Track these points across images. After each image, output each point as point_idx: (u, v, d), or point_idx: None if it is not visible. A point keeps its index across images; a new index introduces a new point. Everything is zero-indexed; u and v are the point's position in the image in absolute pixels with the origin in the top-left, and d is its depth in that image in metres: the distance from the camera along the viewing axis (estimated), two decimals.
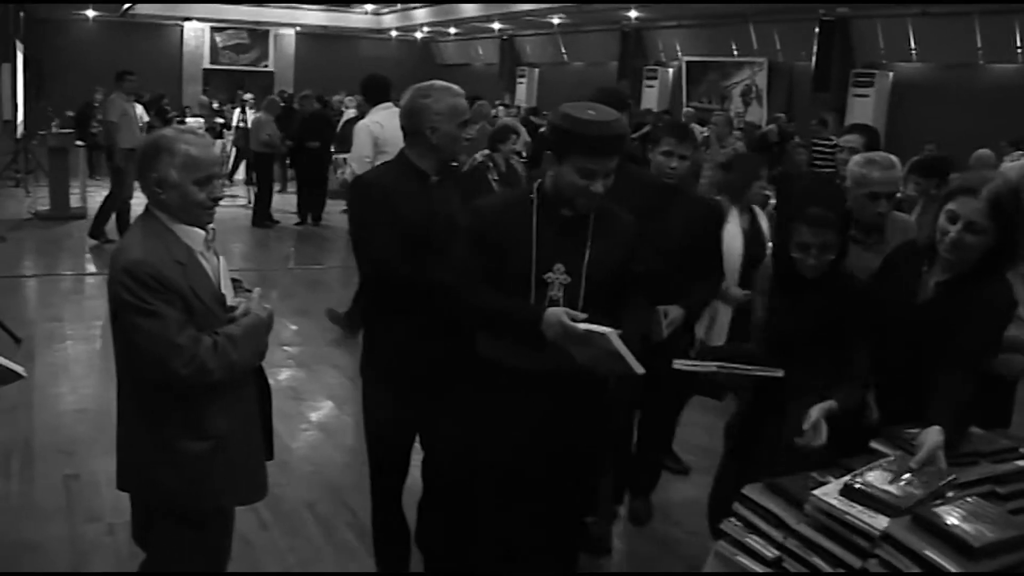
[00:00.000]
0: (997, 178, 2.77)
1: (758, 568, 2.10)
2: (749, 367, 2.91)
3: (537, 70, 24.79)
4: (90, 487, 4.50)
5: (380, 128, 6.86)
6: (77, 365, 6.40)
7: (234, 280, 2.83)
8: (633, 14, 18.96)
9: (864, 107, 15.20)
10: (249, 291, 2.82)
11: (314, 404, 5.93)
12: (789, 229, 2.89)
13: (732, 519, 2.23)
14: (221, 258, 2.76)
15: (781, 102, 17.11)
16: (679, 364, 2.94)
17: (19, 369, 2.51)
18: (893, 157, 3.56)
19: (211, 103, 19.96)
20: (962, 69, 14.31)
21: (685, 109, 17.75)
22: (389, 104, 7.05)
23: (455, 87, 3.31)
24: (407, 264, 3.11)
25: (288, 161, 13.98)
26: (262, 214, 12.48)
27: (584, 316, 2.65)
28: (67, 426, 5.24)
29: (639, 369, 2.54)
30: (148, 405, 2.65)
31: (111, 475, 4.60)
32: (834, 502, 2.00)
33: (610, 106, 3.41)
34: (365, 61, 24.91)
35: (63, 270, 9.46)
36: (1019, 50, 13.33)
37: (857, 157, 3.55)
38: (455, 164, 4.02)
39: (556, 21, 21.49)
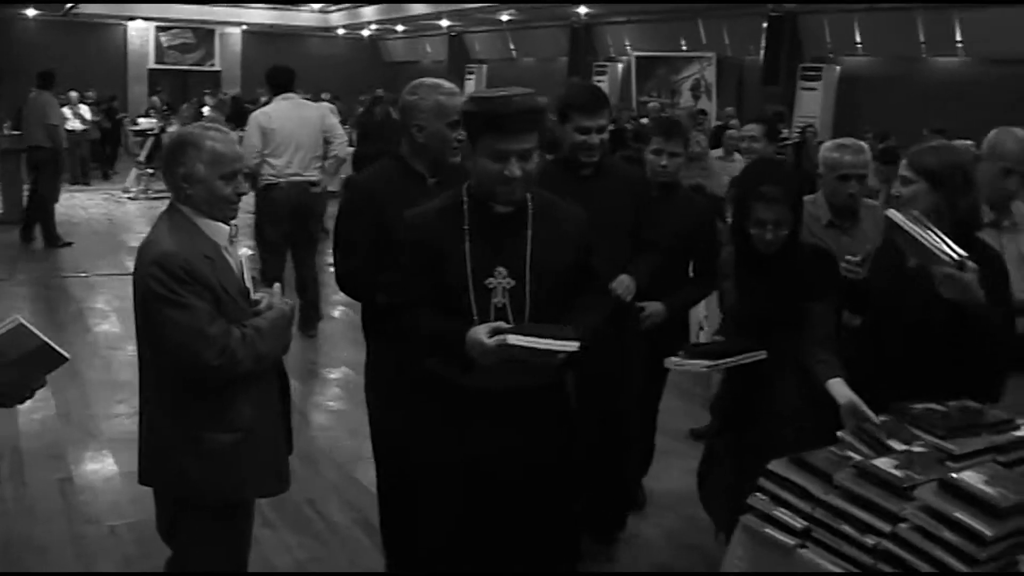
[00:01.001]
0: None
1: (787, 539, 2.23)
2: (735, 357, 3.03)
3: (486, 66, 24.86)
4: (85, 490, 4.50)
5: (267, 119, 6.90)
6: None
7: (253, 277, 2.89)
8: (583, 10, 19.15)
9: (812, 100, 15.57)
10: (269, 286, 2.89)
11: (310, 402, 5.97)
12: (745, 208, 3.06)
13: (758, 493, 2.35)
14: (242, 251, 2.82)
15: (730, 96, 17.41)
16: (670, 364, 3.04)
17: (64, 353, 2.44)
18: (862, 143, 3.83)
19: (163, 105, 19.74)
20: (906, 62, 14.72)
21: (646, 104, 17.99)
22: (291, 95, 7.07)
23: (446, 84, 3.24)
24: (387, 272, 2.97)
25: None
26: None
27: (509, 327, 2.42)
28: (52, 431, 5.22)
29: (570, 348, 2.38)
30: (174, 398, 2.67)
31: (105, 477, 4.72)
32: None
33: (591, 101, 3.55)
34: (312, 59, 24.85)
35: (20, 274, 9.32)
36: (959, 44, 13.75)
37: (828, 143, 3.81)
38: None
39: (505, 18, 21.60)
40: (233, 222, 2.74)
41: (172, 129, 13.52)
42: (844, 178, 3.67)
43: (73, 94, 15.72)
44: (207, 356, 2.51)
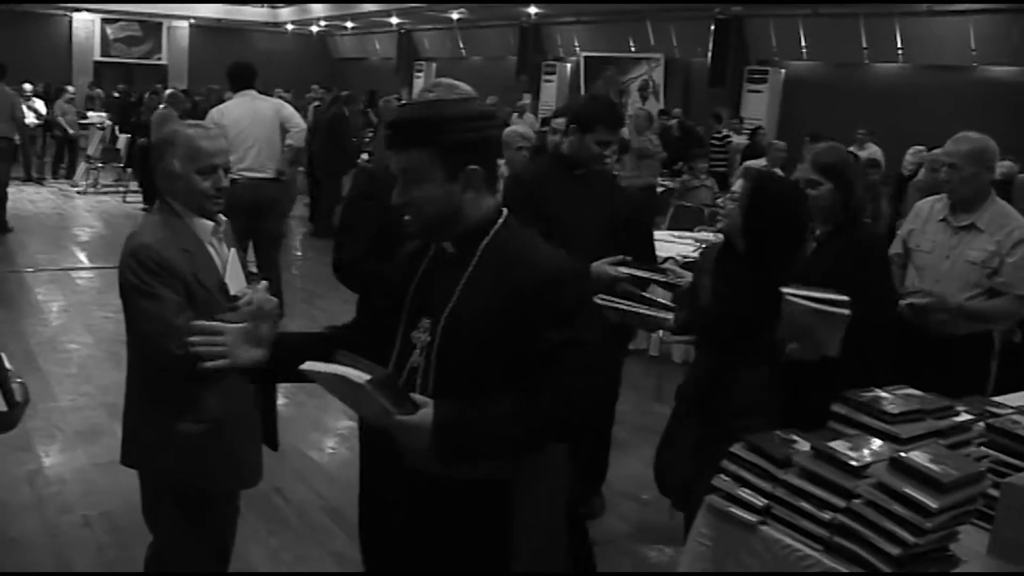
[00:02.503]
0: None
1: (750, 516, 2.41)
2: (645, 307, 3.25)
3: (435, 64, 24.94)
4: (55, 481, 4.56)
5: (221, 115, 6.98)
6: (14, 361, 6.34)
7: (253, 273, 2.97)
8: (532, 10, 19.31)
9: (758, 102, 15.93)
10: (256, 275, 2.97)
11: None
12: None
13: (721, 475, 2.53)
14: (233, 250, 2.86)
15: (678, 97, 17.72)
16: (599, 299, 3.20)
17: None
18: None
19: (104, 96, 19.52)
20: (849, 67, 15.13)
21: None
22: (249, 92, 7.18)
23: (462, 86, 3.05)
24: (388, 264, 2.98)
25: None
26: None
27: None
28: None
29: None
30: (150, 386, 2.76)
31: (74, 468, 4.76)
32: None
33: (615, 118, 3.88)
34: (260, 55, 24.56)
35: None
36: (900, 51, 14.18)
37: (811, 146, 4.01)
38: None
39: (455, 16, 21.71)
40: (222, 218, 2.81)
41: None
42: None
43: (27, 87, 15.48)
44: (170, 346, 2.51)
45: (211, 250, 2.77)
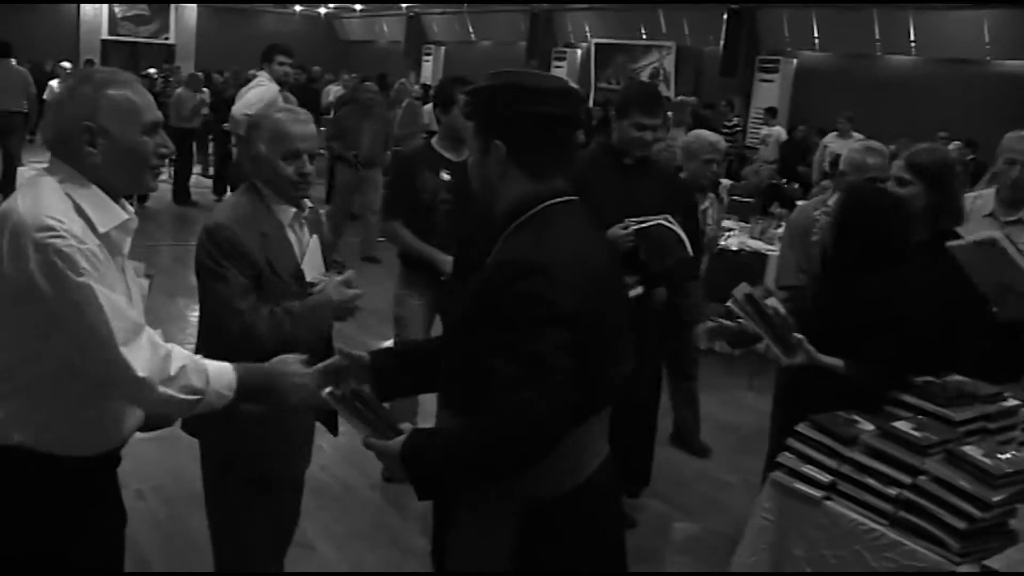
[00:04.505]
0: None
1: (815, 492, 2.53)
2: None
3: (443, 48, 24.95)
4: None
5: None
6: None
7: (335, 261, 2.99)
8: None
9: (769, 92, 15.99)
10: (341, 265, 3.00)
11: None
12: None
13: (786, 452, 2.65)
14: (314, 237, 2.85)
15: (688, 85, 17.77)
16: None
17: None
18: (885, 147, 4.02)
19: None
20: (861, 59, 15.19)
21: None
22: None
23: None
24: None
25: (211, 136, 13.74)
26: (182, 191, 12.40)
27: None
28: None
29: None
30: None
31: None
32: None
33: (651, 101, 3.86)
34: (267, 36, 24.58)
35: None
36: (912, 43, 14.24)
37: (856, 145, 4.01)
38: None
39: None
40: (307, 203, 2.80)
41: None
42: (873, 181, 3.84)
43: (67, 64, 15.34)
44: (230, 327, 2.58)
45: (291, 236, 2.77)
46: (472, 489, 1.92)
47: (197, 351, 2.84)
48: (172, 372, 2.04)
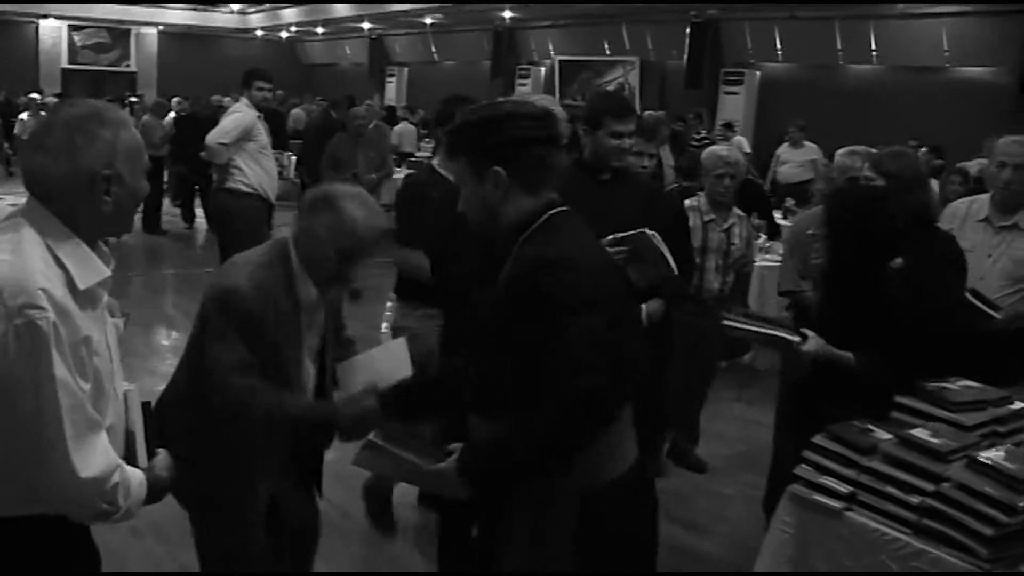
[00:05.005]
0: None
1: (835, 503, 2.52)
2: (772, 330, 3.19)
3: (407, 69, 24.94)
4: None
5: None
6: None
7: (347, 339, 2.90)
8: (507, 14, 19.40)
9: (735, 104, 16.12)
10: (352, 343, 2.90)
11: None
12: None
13: (802, 465, 2.63)
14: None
15: (654, 99, 17.85)
16: (728, 320, 3.27)
17: None
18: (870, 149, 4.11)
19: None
20: (824, 69, 15.36)
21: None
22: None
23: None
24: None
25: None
26: (153, 219, 12.22)
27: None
28: None
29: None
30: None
31: None
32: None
33: (622, 107, 3.78)
34: (230, 61, 24.53)
35: None
36: (874, 52, 14.44)
37: (842, 149, 4.07)
38: None
39: (428, 21, 21.73)
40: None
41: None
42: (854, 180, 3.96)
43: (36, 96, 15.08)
44: (218, 397, 2.50)
45: (304, 319, 2.62)
46: (529, 485, 2.05)
47: (167, 393, 2.74)
48: (110, 484, 1.86)
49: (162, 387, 2.74)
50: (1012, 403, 2.86)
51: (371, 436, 2.19)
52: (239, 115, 6.90)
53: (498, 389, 2.09)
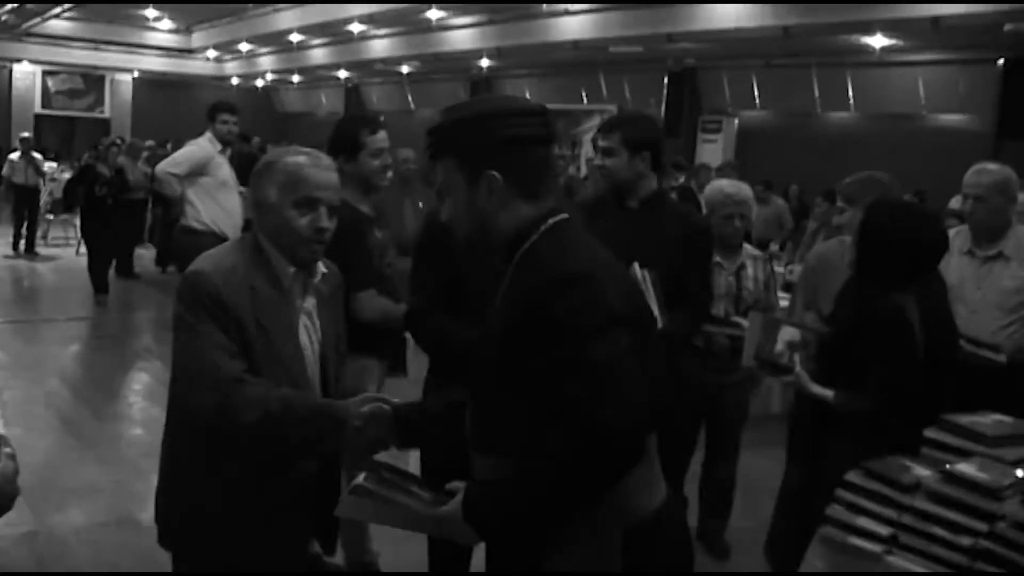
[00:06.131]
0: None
1: (874, 546, 2.32)
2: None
3: (383, 118, 24.84)
4: (54, 543, 4.28)
5: None
6: None
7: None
8: (484, 63, 19.43)
9: (713, 151, 16.13)
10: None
11: None
12: None
13: (835, 504, 2.44)
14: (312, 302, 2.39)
15: None
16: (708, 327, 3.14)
17: None
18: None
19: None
20: (801, 117, 15.44)
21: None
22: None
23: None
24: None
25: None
26: (126, 263, 11.94)
27: None
28: None
29: None
30: (186, 445, 2.34)
31: (72, 527, 4.47)
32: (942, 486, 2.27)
33: (605, 123, 3.58)
34: (205, 109, 24.38)
35: None
36: (851, 100, 14.52)
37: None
38: None
39: (405, 70, 21.75)
40: (322, 268, 2.36)
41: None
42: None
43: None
44: (204, 401, 2.16)
45: (286, 295, 2.30)
46: (572, 519, 1.79)
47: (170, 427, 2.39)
48: None
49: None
50: None
51: (359, 479, 1.87)
52: (193, 147, 6.68)
53: (505, 424, 1.83)
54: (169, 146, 15.29)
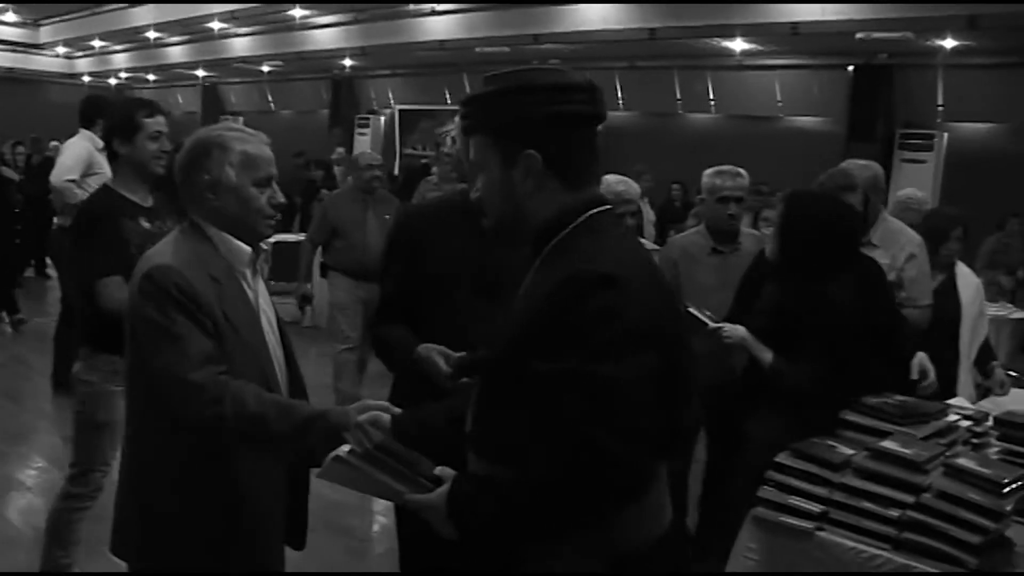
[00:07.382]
0: None
1: (806, 524, 2.43)
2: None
3: (242, 118, 24.25)
4: None
5: None
6: None
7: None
8: (347, 62, 19.18)
9: None
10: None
11: None
12: None
13: (766, 486, 2.54)
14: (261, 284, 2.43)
15: None
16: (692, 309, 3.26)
17: None
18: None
19: None
20: (663, 118, 15.87)
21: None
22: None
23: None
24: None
25: None
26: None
27: None
28: None
29: None
30: (159, 454, 2.28)
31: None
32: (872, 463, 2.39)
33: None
34: (53, 108, 23.14)
35: None
36: (712, 102, 15.02)
37: (708, 171, 4.59)
38: None
39: (266, 69, 21.25)
40: (264, 246, 2.42)
41: None
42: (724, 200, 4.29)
43: None
44: (186, 407, 2.11)
45: (243, 282, 2.34)
46: (548, 543, 1.66)
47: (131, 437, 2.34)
48: None
49: None
50: (947, 415, 2.88)
51: (339, 452, 1.79)
52: (75, 148, 6.41)
53: (504, 429, 1.70)
54: (21, 148, 14.47)
